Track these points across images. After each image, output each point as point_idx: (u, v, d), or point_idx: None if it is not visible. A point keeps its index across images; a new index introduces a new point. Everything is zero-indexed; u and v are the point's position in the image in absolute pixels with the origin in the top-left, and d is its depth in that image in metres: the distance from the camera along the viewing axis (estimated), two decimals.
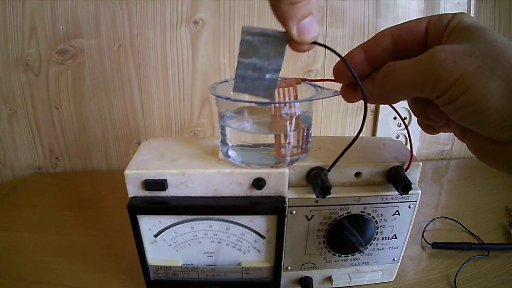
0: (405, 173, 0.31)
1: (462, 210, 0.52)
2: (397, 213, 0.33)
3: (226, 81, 0.32)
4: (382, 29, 0.25)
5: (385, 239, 0.35)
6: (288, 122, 0.29)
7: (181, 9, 0.56)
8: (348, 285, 0.37)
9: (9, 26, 0.54)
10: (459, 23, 0.22)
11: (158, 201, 0.30)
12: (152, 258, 0.34)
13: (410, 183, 0.30)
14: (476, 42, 0.20)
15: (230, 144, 0.31)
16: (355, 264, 0.36)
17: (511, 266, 0.40)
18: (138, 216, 0.31)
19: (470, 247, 0.43)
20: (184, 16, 0.56)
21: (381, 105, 0.64)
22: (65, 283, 0.38)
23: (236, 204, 0.31)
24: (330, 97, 0.28)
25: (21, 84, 0.58)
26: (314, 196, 0.30)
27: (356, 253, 0.35)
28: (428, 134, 0.31)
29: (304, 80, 0.30)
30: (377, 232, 0.34)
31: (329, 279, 0.37)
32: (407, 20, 0.24)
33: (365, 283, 0.37)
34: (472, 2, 0.61)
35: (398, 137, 0.67)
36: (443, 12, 0.58)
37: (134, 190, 0.30)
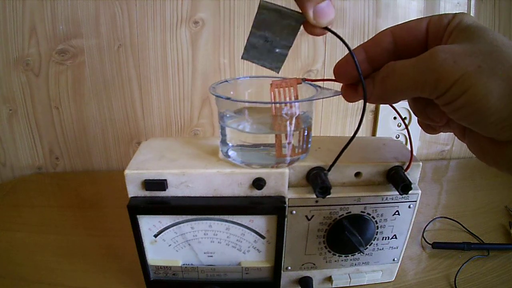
0: (405, 173, 0.31)
1: (462, 210, 0.52)
2: (397, 213, 0.33)
3: (226, 81, 0.32)
4: (383, 29, 0.25)
5: (385, 239, 0.35)
6: (288, 122, 0.29)
7: (181, 9, 0.56)
8: (348, 285, 0.37)
9: (9, 26, 0.54)
10: (459, 23, 0.22)
11: (158, 201, 0.30)
12: (152, 258, 0.34)
13: (410, 183, 0.30)
14: (477, 42, 0.20)
15: (230, 144, 0.31)
16: (355, 264, 0.36)
17: (511, 266, 0.40)
18: (138, 216, 0.31)
19: (470, 247, 0.43)
20: (184, 16, 0.56)
21: (381, 105, 0.64)
22: (65, 283, 0.38)
23: (236, 204, 0.31)
24: (330, 97, 0.29)
25: (21, 84, 0.58)
26: (314, 196, 0.30)
27: (356, 253, 0.35)
28: (428, 134, 0.31)
29: (304, 80, 0.30)
30: (377, 232, 0.34)
31: (329, 279, 0.37)
32: (407, 20, 0.24)
33: (365, 283, 0.37)
34: (472, 2, 0.61)
35: (398, 137, 0.67)
36: (443, 12, 0.58)
37: (134, 190, 0.30)
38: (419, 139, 0.69)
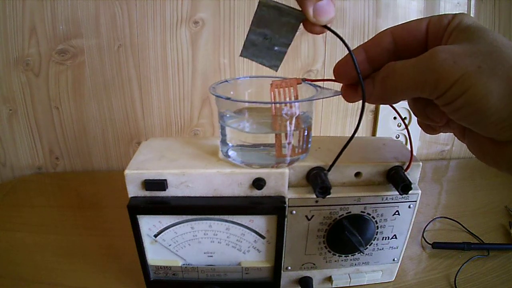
0: (405, 173, 0.31)
1: (462, 210, 0.52)
2: (397, 213, 0.33)
3: (226, 81, 0.32)
4: (383, 29, 0.25)
5: (385, 239, 0.35)
6: (288, 122, 0.29)
7: (181, 9, 0.56)
8: (348, 285, 0.37)
9: (9, 26, 0.54)
10: (459, 24, 0.22)
11: (158, 201, 0.30)
12: (152, 258, 0.34)
13: (410, 183, 0.30)
14: (477, 43, 0.20)
15: (230, 144, 0.31)
16: (355, 264, 0.36)
17: (511, 266, 0.40)
18: (138, 216, 0.31)
19: (470, 247, 0.43)
20: (184, 16, 0.56)
21: (381, 105, 0.64)
22: (65, 283, 0.38)
23: (236, 204, 0.31)
24: (330, 97, 0.29)
25: (21, 84, 0.58)
26: (314, 196, 0.30)
27: (356, 253, 0.35)
28: (428, 134, 0.31)
29: (304, 80, 0.30)
30: (377, 232, 0.34)
31: (329, 279, 0.37)
32: (407, 20, 0.24)
33: (365, 283, 0.37)
34: (472, 2, 0.61)
35: (398, 137, 0.67)
36: (443, 12, 0.58)
37: (134, 190, 0.30)
38: (419, 139, 0.69)
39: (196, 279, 0.35)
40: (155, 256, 0.34)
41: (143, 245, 0.32)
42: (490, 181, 0.60)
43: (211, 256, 0.34)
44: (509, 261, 0.41)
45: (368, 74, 0.25)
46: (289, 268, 0.35)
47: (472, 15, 0.62)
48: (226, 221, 0.32)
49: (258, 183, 0.30)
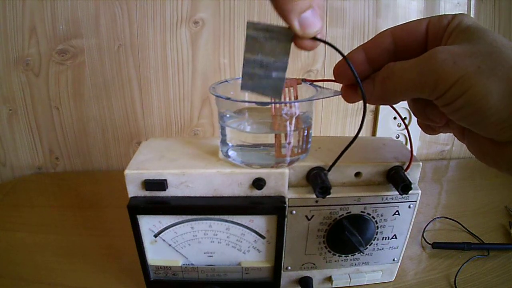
0: (405, 173, 0.31)
1: (462, 210, 0.52)
2: (397, 213, 0.33)
3: (226, 81, 0.32)
4: (383, 30, 0.25)
5: (385, 239, 0.35)
6: (288, 122, 0.29)
7: (181, 9, 0.56)
8: (348, 285, 0.37)
9: (9, 26, 0.54)
10: (459, 24, 0.22)
11: (158, 201, 0.30)
12: (152, 258, 0.34)
13: (410, 183, 0.30)
14: (476, 43, 0.20)
15: (230, 144, 0.31)
16: (355, 264, 0.36)
17: (511, 266, 0.41)
18: (138, 216, 0.31)
19: (470, 247, 0.43)
20: (184, 16, 0.56)
21: (381, 105, 0.64)
22: (65, 283, 0.38)
23: (236, 204, 0.31)
24: (330, 97, 0.29)
25: (21, 84, 0.58)
26: (314, 196, 0.30)
27: (356, 253, 0.35)
28: (428, 134, 0.31)
29: (304, 80, 0.30)
30: (377, 232, 0.34)
31: (329, 279, 0.37)
32: (407, 21, 0.24)
33: (365, 283, 0.37)
34: (472, 2, 0.61)
35: (398, 137, 0.67)
36: (443, 12, 0.58)
37: (134, 190, 0.30)
38: (419, 139, 0.69)
39: (196, 279, 0.35)
40: (155, 256, 0.34)
41: (143, 245, 0.32)
42: (490, 181, 0.60)
43: (211, 256, 0.34)
44: (509, 261, 0.41)
45: (368, 74, 0.25)
46: (289, 268, 0.35)
47: (472, 15, 0.62)
48: (226, 221, 0.32)
49: (258, 183, 0.30)
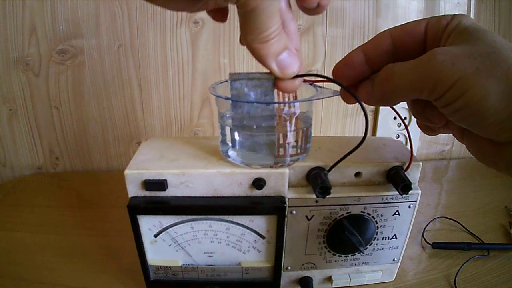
0: (405, 173, 0.31)
1: (462, 210, 0.52)
2: (397, 213, 0.33)
3: (226, 81, 0.32)
4: (382, 31, 0.25)
5: (385, 239, 0.35)
6: (288, 122, 0.29)
7: None
8: (348, 285, 0.37)
9: (9, 26, 0.54)
10: (458, 25, 0.22)
11: (158, 201, 0.30)
12: (152, 258, 0.34)
13: (410, 183, 0.30)
14: (475, 44, 0.20)
15: (230, 144, 0.31)
16: (355, 264, 0.36)
17: (511, 266, 0.41)
18: (138, 216, 0.31)
19: (470, 247, 0.43)
20: (184, 16, 0.56)
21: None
22: (65, 283, 0.38)
23: (236, 204, 0.31)
24: (330, 97, 0.28)
25: (21, 84, 0.58)
26: (314, 196, 0.30)
27: (356, 253, 0.35)
28: (428, 135, 0.31)
29: (304, 80, 0.30)
30: (377, 232, 0.34)
31: (329, 279, 0.37)
32: (407, 21, 0.24)
33: (365, 283, 0.37)
34: (472, 2, 0.61)
35: (398, 137, 0.67)
36: (443, 13, 0.58)
37: (134, 190, 0.30)
38: (419, 139, 0.69)
39: (196, 279, 0.35)
40: (155, 256, 0.34)
41: (143, 245, 0.32)
42: (490, 181, 0.60)
43: (211, 256, 0.34)
44: (509, 261, 0.41)
45: (367, 75, 0.25)
46: (289, 268, 0.35)
47: (472, 15, 0.62)
48: (226, 221, 0.32)
49: (258, 183, 0.30)
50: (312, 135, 0.32)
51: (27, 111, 0.60)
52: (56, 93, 0.59)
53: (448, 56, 0.20)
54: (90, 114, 0.61)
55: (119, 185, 0.32)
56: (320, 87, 0.30)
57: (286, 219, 0.32)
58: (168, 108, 0.62)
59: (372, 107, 0.66)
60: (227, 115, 0.31)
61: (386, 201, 0.32)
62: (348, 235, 0.32)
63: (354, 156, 0.32)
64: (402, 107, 0.60)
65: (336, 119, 0.66)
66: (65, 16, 0.55)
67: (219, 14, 0.26)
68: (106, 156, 0.65)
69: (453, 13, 0.23)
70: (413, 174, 0.32)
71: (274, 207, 0.31)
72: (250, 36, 0.21)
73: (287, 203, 0.31)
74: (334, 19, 0.59)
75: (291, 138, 0.29)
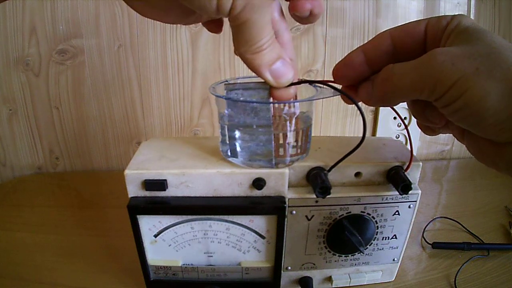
0: (405, 173, 0.31)
1: (462, 210, 0.52)
2: (397, 213, 0.33)
3: (226, 81, 0.32)
4: (382, 31, 0.25)
5: (385, 239, 0.35)
6: (288, 122, 0.29)
7: None
8: (348, 285, 0.37)
9: (9, 26, 0.54)
10: (458, 25, 0.22)
11: (158, 201, 0.30)
12: (152, 258, 0.34)
13: (410, 183, 0.30)
14: (475, 44, 0.20)
15: (230, 144, 0.31)
16: (355, 264, 0.36)
17: (511, 266, 0.41)
18: (138, 216, 0.31)
19: (470, 247, 0.43)
20: None
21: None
22: (65, 283, 0.38)
23: (236, 204, 0.31)
24: (330, 97, 0.28)
25: (21, 84, 0.58)
26: (314, 196, 0.30)
27: (356, 253, 0.35)
28: (428, 135, 0.31)
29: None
30: (377, 232, 0.34)
31: (329, 279, 0.37)
32: (407, 21, 0.24)
33: (365, 283, 0.37)
34: (472, 2, 0.61)
35: (398, 137, 0.67)
36: (443, 13, 0.58)
37: (134, 190, 0.30)
38: (419, 139, 0.69)
39: (196, 279, 0.35)
40: (155, 256, 0.34)
41: (143, 245, 0.32)
42: (490, 181, 0.60)
43: (211, 256, 0.34)
44: (509, 261, 0.41)
45: (367, 76, 0.25)
46: (289, 268, 0.35)
47: (472, 15, 0.62)
48: (226, 221, 0.32)
49: (258, 183, 0.30)
50: (312, 135, 0.32)
51: (27, 111, 0.60)
52: (56, 93, 0.59)
53: (448, 57, 0.20)
54: (90, 114, 0.61)
55: (119, 185, 0.32)
56: (320, 87, 0.30)
57: (286, 219, 0.32)
58: (168, 108, 0.62)
59: (372, 107, 0.66)
60: (227, 115, 0.31)
61: (386, 201, 0.32)
62: (348, 235, 0.32)
63: (354, 156, 0.32)
64: (402, 107, 0.60)
65: (336, 119, 0.66)
66: (65, 16, 0.55)
67: (214, 26, 0.27)
68: (106, 156, 0.65)
69: (453, 13, 0.23)
70: (413, 174, 0.32)
71: (274, 207, 0.31)
72: (243, 48, 0.21)
73: (287, 203, 0.31)
74: (334, 19, 0.59)
75: (291, 138, 0.29)
